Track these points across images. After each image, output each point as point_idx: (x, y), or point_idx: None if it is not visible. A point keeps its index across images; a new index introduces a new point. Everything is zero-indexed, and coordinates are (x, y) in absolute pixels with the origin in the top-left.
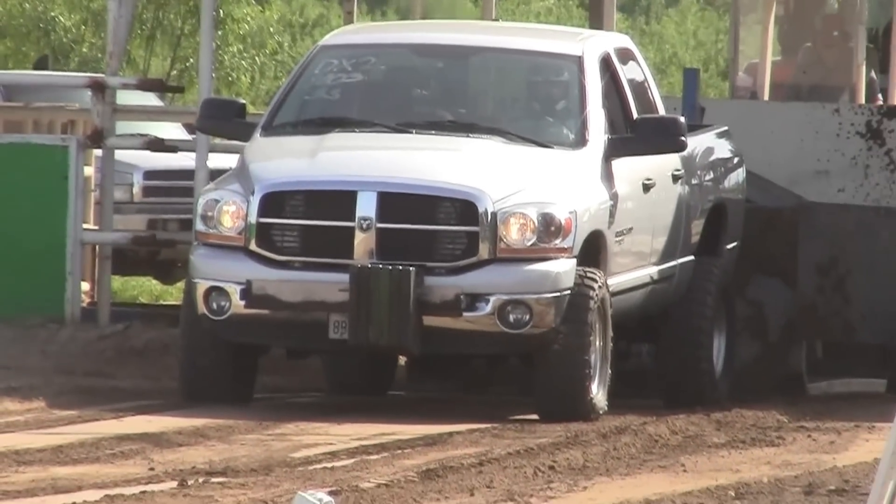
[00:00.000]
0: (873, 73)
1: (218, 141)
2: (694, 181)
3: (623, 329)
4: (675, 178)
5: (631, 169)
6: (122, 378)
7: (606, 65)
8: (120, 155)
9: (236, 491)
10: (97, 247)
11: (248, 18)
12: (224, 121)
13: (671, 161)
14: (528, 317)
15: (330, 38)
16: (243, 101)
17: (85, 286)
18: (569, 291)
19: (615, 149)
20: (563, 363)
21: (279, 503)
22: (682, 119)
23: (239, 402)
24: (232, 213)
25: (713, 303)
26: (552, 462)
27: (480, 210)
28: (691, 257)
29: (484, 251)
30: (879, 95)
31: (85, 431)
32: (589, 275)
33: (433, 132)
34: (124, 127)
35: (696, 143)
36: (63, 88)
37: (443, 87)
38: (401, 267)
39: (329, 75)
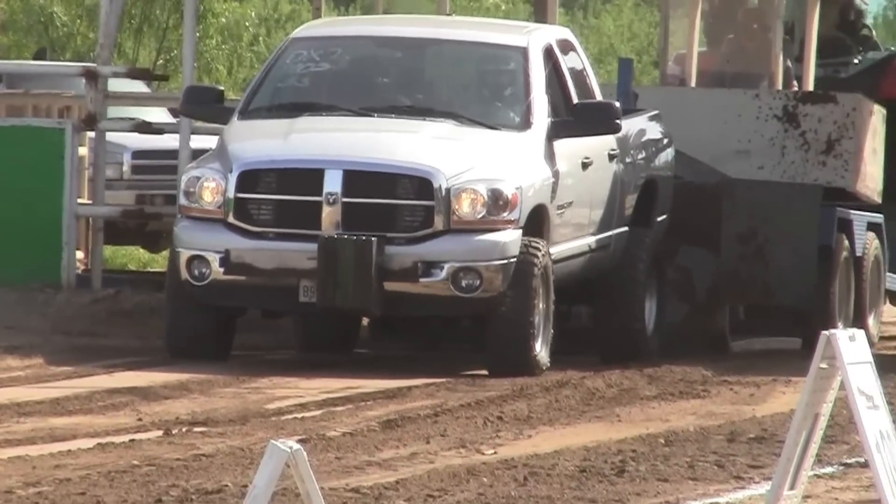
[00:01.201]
0: (789, 62)
1: (199, 124)
2: (628, 160)
3: (564, 293)
4: (611, 157)
5: (571, 149)
6: (113, 337)
7: (549, 55)
8: (111, 136)
9: (216, 439)
10: (90, 219)
11: (227, 13)
12: (205, 106)
13: (607, 142)
14: (478, 282)
15: (300, 31)
16: (222, 88)
17: (79, 255)
18: (515, 259)
19: (557, 131)
20: (510, 324)
21: (254, 450)
22: (617, 104)
23: (218, 359)
24: (212, 189)
25: (645, 269)
26: (500, 413)
27: (435, 186)
28: (625, 228)
29: (439, 223)
30: (795, 82)
31: (79, 385)
32: (533, 244)
33: (393, 116)
34: (115, 111)
35: (630, 125)
36: (59, 77)
37: (402, 76)
38: (364, 237)
39: (299, 65)
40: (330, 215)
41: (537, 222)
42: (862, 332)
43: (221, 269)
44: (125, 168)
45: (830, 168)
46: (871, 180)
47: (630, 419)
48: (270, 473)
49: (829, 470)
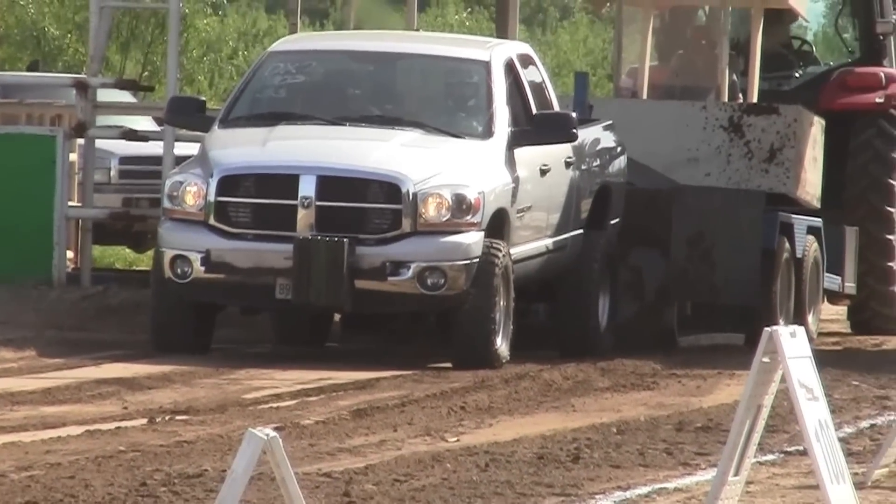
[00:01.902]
0: (735, 76)
1: (182, 132)
2: (583, 167)
3: (523, 291)
4: (568, 164)
5: (530, 156)
6: (101, 332)
7: (510, 69)
8: (99, 143)
9: (196, 427)
10: (80, 221)
11: (208, 28)
12: (187, 115)
13: (564, 150)
14: (443, 281)
15: (278, 46)
16: (203, 99)
17: (70, 254)
18: (477, 259)
19: (517, 139)
20: (472, 320)
21: (233, 437)
22: (574, 115)
23: (199, 352)
24: (194, 192)
25: (599, 269)
26: (463, 403)
27: (403, 191)
28: (581, 231)
29: (406, 225)
30: (740, 95)
31: (69, 376)
32: (495, 245)
33: (364, 125)
34: (103, 120)
35: (586, 135)
36: (52, 87)
37: (372, 87)
38: (336, 238)
39: (276, 77)
40: (304, 218)
41: (498, 225)
42: (802, 328)
43: (202, 268)
44: (113, 173)
45: (773, 175)
46: (810, 187)
47: (584, 409)
48: (248, 459)
49: (770, 457)
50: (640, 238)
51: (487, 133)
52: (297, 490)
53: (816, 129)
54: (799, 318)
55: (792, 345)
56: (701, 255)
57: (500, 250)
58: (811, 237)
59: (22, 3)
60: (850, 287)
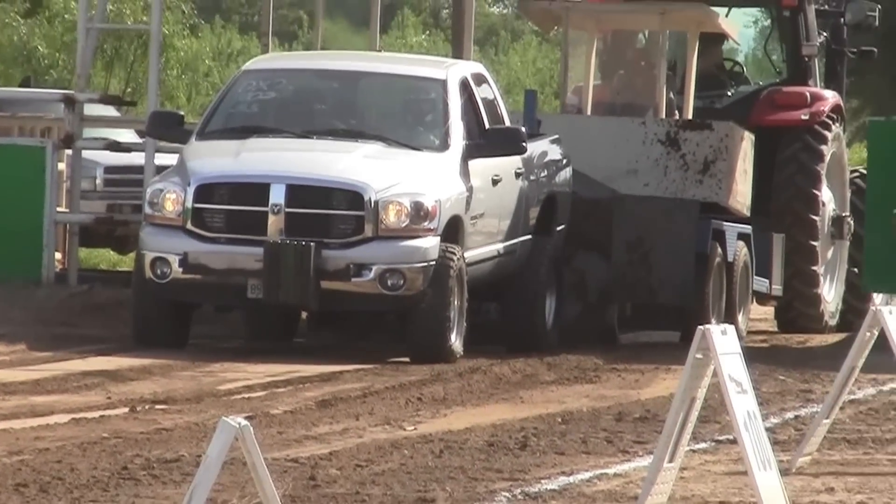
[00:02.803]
0: (672, 94)
1: (162, 144)
2: (532, 177)
3: (476, 291)
4: (518, 175)
5: (483, 167)
6: (87, 327)
7: (465, 86)
8: (86, 154)
9: (174, 416)
10: (67, 225)
11: (186, 48)
12: (167, 128)
13: (514, 161)
14: (402, 282)
15: (251, 65)
16: (182, 113)
17: (58, 256)
18: (434, 262)
19: (471, 152)
20: (429, 318)
21: (208, 425)
22: (523, 129)
23: (177, 347)
24: (173, 199)
25: (546, 272)
26: (420, 395)
27: (366, 199)
28: (529, 236)
29: (368, 230)
30: (676, 112)
31: (57, 369)
32: (450, 249)
33: (330, 138)
34: (89, 132)
35: (534, 148)
36: (42, 102)
37: (338, 103)
38: (304, 242)
39: (249, 93)
40: (274, 223)
41: (453, 231)
42: (732, 327)
43: (180, 269)
44: (98, 181)
45: (706, 186)
46: (741, 196)
47: (532, 401)
48: (221, 446)
49: (703, 446)
50: (583, 243)
51: (444, 146)
52: (266, 474)
53: (747, 144)
54: (730, 318)
55: (723, 342)
56: (640, 259)
57: (455, 254)
58: (741, 243)
59: (14, 23)
60: (777, 289)
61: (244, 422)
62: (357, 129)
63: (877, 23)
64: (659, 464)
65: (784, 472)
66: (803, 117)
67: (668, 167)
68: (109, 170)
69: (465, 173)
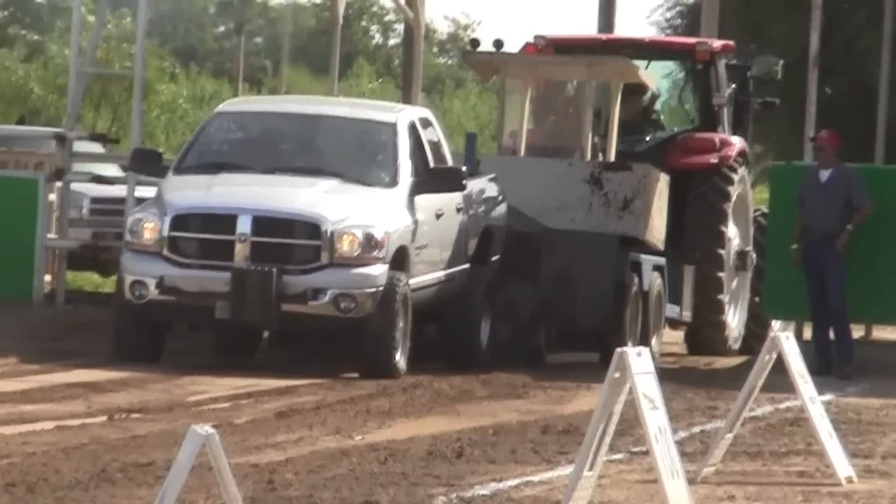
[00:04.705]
0: (596, 139)
1: (143, 177)
2: (471, 212)
3: (419, 314)
4: (458, 210)
5: (428, 202)
6: (72, 342)
7: (413, 129)
8: (74, 186)
9: (148, 424)
10: (56, 250)
11: (165, 91)
12: (147, 164)
13: (455, 197)
14: (353, 305)
15: (222, 107)
16: (161, 150)
17: (47, 277)
18: (382, 288)
19: (417, 188)
20: (377, 337)
21: (178, 433)
22: (464, 168)
23: (152, 361)
24: (151, 228)
25: (481, 297)
26: (367, 407)
27: (322, 229)
28: (468, 265)
29: (325, 258)
30: (600, 154)
31: (43, 380)
32: (397, 276)
33: (291, 174)
34: (78, 167)
35: (473, 185)
36: (35, 139)
37: (299, 143)
38: (267, 268)
39: (221, 133)
40: (241, 250)
41: (400, 259)
42: (647, 349)
43: (156, 291)
44: (84, 211)
45: (626, 221)
46: (657, 231)
47: (467, 414)
48: (190, 451)
49: (619, 456)
50: (515, 272)
51: (393, 182)
52: (230, 478)
53: (662, 184)
54: (644, 341)
55: (638, 363)
56: (565, 287)
57: (401, 280)
58: (656, 273)
59: (12, 67)
60: (687, 315)
61: (211, 430)
62: (316, 166)
63: (779, 76)
64: (579, 472)
65: (691, 482)
66: (712, 161)
67: (591, 204)
68: (95, 200)
69: (411, 207)
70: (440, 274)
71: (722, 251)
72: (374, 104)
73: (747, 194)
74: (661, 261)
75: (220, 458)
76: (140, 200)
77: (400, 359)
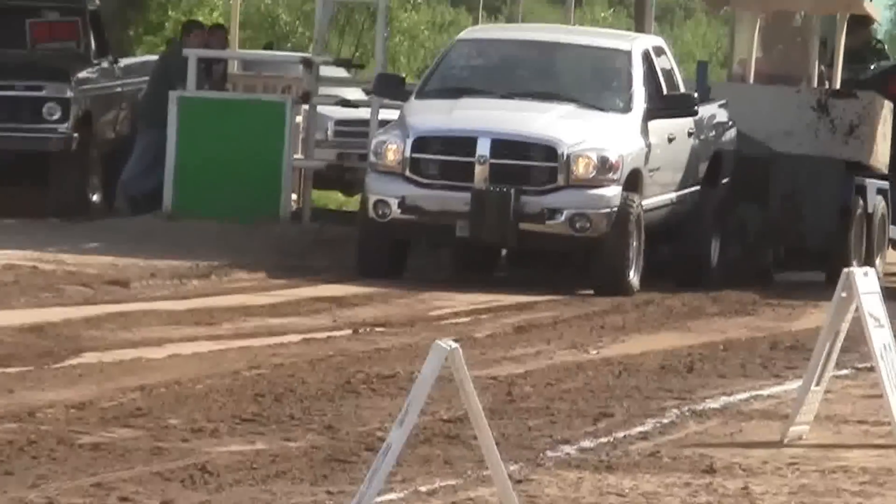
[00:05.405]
0: (823, 67)
1: (386, 101)
2: (702, 136)
3: (651, 234)
4: (690, 134)
5: (660, 127)
6: (317, 259)
7: (646, 57)
8: (320, 109)
9: (391, 338)
10: (303, 170)
11: (407, 19)
12: (390, 88)
13: (687, 122)
14: (588, 225)
15: (464, 35)
16: (403, 75)
17: (293, 196)
18: (616, 209)
19: (650, 114)
20: (611, 256)
21: (420, 346)
22: (695, 95)
23: (395, 277)
24: (394, 150)
25: (711, 218)
26: (602, 323)
27: (559, 152)
28: (698, 187)
29: (561, 180)
30: (826, 82)
31: (290, 295)
32: (630, 198)
33: (529, 99)
34: (323, 90)
35: (704, 111)
36: (283, 63)
37: (536, 69)
38: (505, 189)
39: (462, 59)
40: (480, 172)
41: (633, 181)
42: (873, 269)
43: (399, 211)
44: (329, 133)
45: (851, 146)
46: (881, 156)
47: (698, 330)
48: (434, 365)
49: (845, 372)
50: (744, 194)
51: (627, 108)
52: (472, 389)
53: (887, 111)
54: (869, 261)
55: (864, 282)
56: (792, 210)
57: (635, 201)
58: (880, 196)
59: None
60: None
61: (454, 344)
62: (553, 91)
63: None
64: (807, 386)
65: None
66: None
67: (818, 130)
68: (340, 123)
69: (644, 132)
70: (672, 195)
71: None
72: (609, 32)
73: None
74: (885, 184)
75: (462, 370)
76: (383, 123)
77: (633, 277)
